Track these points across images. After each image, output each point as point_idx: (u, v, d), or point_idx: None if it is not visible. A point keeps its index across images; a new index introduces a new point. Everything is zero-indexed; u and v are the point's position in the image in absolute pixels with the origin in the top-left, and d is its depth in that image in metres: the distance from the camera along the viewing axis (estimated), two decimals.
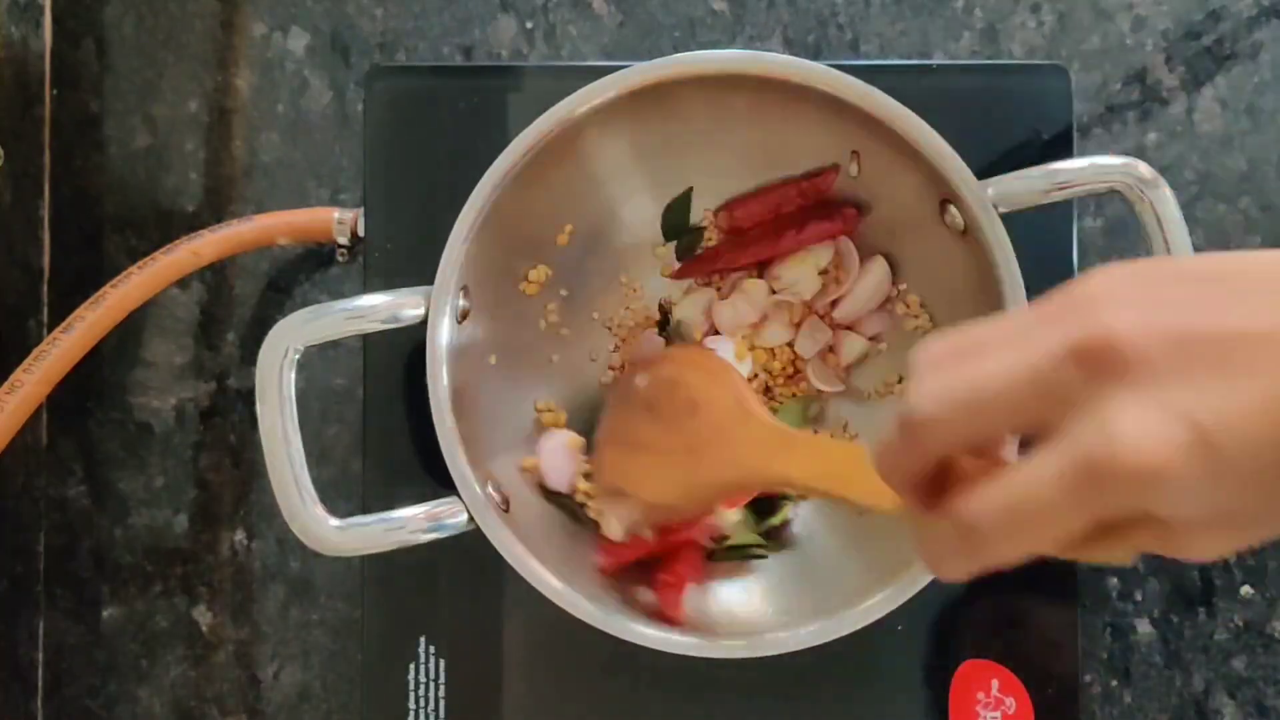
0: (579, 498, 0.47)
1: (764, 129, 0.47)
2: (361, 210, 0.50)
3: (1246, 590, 0.52)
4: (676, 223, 0.50)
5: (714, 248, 0.50)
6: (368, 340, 0.50)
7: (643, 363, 0.48)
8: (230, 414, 0.55)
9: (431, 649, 0.49)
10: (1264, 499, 0.25)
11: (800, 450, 0.37)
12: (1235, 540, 0.27)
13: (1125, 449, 0.24)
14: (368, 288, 0.49)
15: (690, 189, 0.49)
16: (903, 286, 0.49)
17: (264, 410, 0.42)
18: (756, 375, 0.49)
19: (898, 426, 0.28)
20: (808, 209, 0.48)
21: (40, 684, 0.55)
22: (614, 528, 0.46)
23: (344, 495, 0.52)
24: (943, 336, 0.28)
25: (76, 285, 0.54)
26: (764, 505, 0.48)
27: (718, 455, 0.40)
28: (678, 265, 0.50)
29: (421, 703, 0.49)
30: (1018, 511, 0.26)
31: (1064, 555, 0.28)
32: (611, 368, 0.50)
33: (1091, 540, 0.27)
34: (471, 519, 0.43)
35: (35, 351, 0.46)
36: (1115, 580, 0.52)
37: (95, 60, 0.55)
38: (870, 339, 0.49)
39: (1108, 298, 0.25)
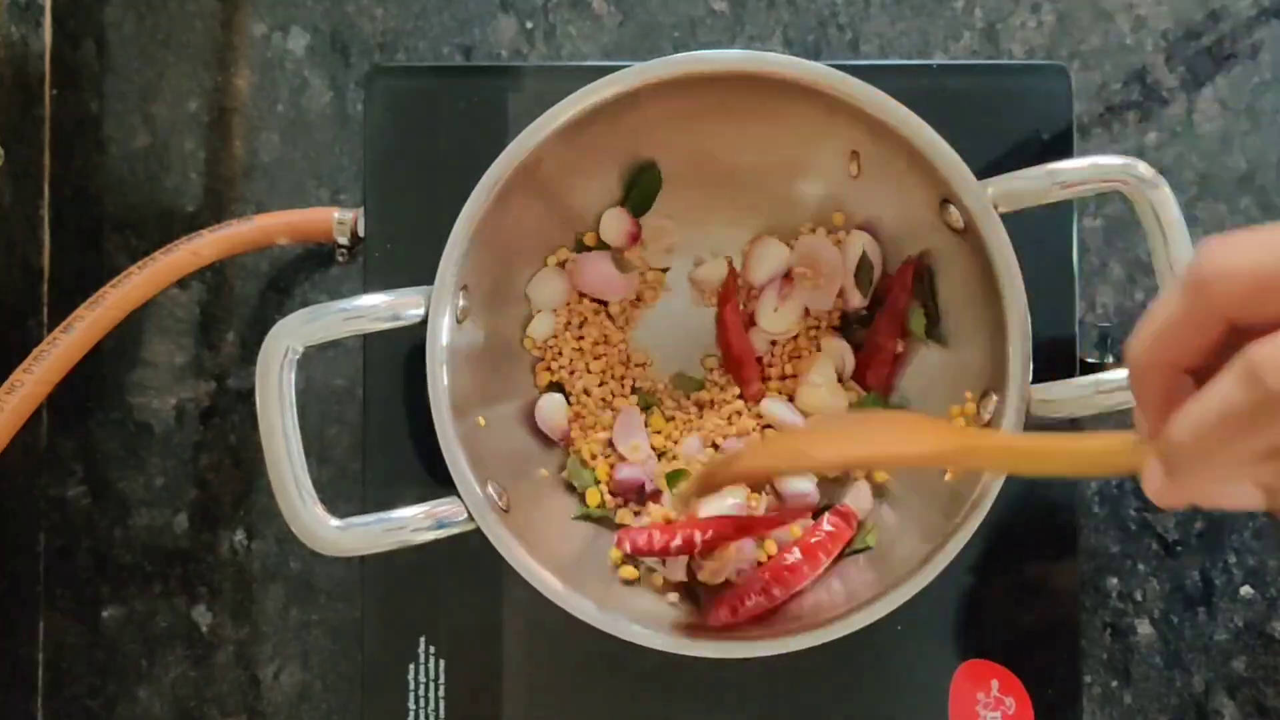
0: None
1: (764, 129, 0.47)
2: (361, 210, 0.50)
3: (1246, 590, 0.52)
4: (641, 198, 0.50)
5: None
6: (368, 340, 0.50)
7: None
8: (230, 414, 0.55)
9: (431, 649, 0.49)
10: None
11: (927, 425, 0.38)
12: None
13: None
14: (368, 288, 0.49)
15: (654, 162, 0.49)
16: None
17: (264, 410, 0.42)
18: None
19: (1183, 289, 0.28)
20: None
21: (40, 684, 0.55)
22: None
23: (344, 495, 0.52)
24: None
25: (76, 285, 0.54)
26: None
27: (873, 434, 0.40)
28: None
29: (421, 703, 0.49)
30: (1215, 429, 0.26)
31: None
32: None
33: None
34: (471, 519, 0.43)
35: (35, 351, 0.46)
36: (1115, 580, 0.52)
37: (95, 60, 0.55)
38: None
39: None
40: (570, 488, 0.49)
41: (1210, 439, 0.27)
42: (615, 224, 0.48)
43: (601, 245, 0.49)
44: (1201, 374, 0.28)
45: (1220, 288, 0.27)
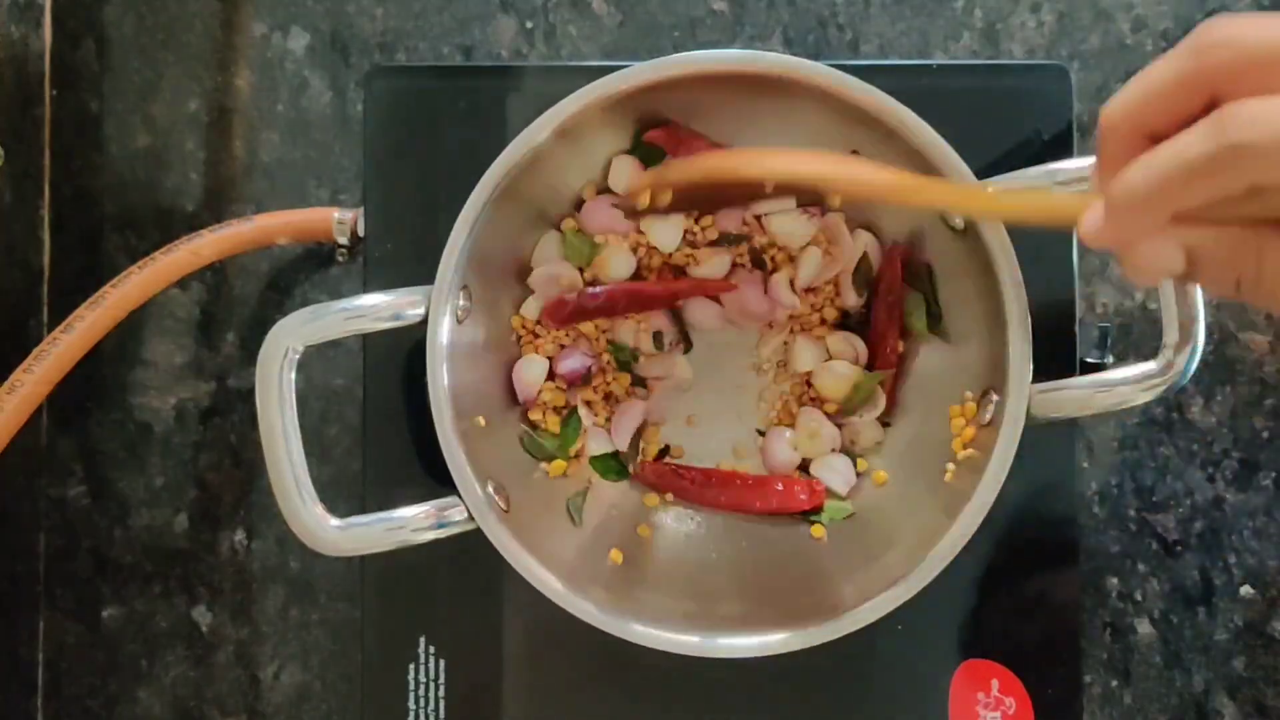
0: None
1: (764, 129, 0.47)
2: (361, 210, 0.50)
3: (1246, 590, 0.52)
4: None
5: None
6: (368, 340, 0.50)
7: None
8: (230, 414, 0.55)
9: (431, 649, 0.49)
10: None
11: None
12: None
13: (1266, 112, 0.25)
14: (368, 288, 0.49)
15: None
16: None
17: (264, 410, 0.42)
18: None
19: (1188, 48, 0.29)
20: None
21: (40, 684, 0.55)
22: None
23: (344, 495, 0.52)
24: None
25: (76, 285, 0.54)
26: None
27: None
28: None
29: (421, 703, 0.49)
30: (1167, 171, 0.27)
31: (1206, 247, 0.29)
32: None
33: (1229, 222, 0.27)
34: (471, 519, 0.43)
35: (35, 351, 0.46)
36: (1115, 580, 0.52)
37: (95, 60, 0.55)
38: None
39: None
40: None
41: (1159, 181, 0.28)
42: (623, 170, 0.48)
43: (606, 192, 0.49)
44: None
45: (1217, 53, 0.28)
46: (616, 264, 0.48)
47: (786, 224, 0.48)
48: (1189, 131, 0.28)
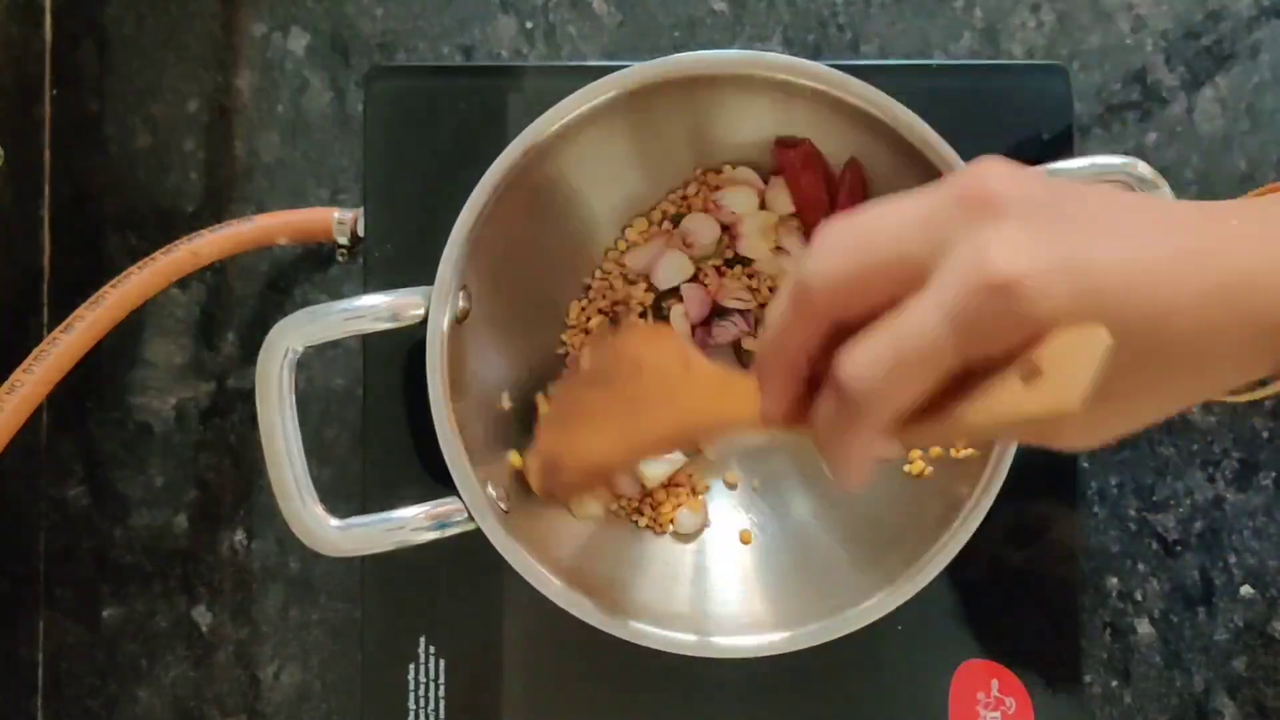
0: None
1: (763, 129, 0.47)
2: (361, 210, 0.50)
3: (1246, 590, 0.52)
4: None
5: None
6: (368, 340, 0.50)
7: (590, 341, 0.49)
8: (230, 414, 0.55)
9: (431, 649, 0.49)
10: (1126, 363, 0.26)
11: (740, 388, 0.38)
12: (1102, 420, 0.29)
13: (998, 256, 0.26)
14: (368, 288, 0.49)
15: None
16: None
17: (264, 410, 0.42)
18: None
19: (790, 295, 0.29)
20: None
21: (40, 684, 0.55)
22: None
23: (344, 495, 0.52)
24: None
25: (76, 285, 0.54)
26: None
27: (663, 406, 0.41)
28: None
29: (421, 703, 0.49)
30: (900, 349, 0.27)
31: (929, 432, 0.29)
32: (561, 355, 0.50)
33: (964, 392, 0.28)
34: (471, 519, 0.43)
35: (35, 351, 0.46)
36: (1115, 580, 0.52)
37: (95, 60, 0.55)
38: None
39: (991, 168, 0.28)
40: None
41: (836, 443, 0.30)
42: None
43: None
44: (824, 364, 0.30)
45: (820, 302, 0.29)
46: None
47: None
48: (827, 397, 0.29)
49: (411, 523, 0.43)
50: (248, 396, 0.54)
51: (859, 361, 0.28)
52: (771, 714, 0.49)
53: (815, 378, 0.31)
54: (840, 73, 0.43)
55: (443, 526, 0.43)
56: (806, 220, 0.48)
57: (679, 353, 0.41)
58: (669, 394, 0.40)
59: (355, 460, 0.53)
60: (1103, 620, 0.52)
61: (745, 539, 0.49)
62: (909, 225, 0.28)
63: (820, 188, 0.47)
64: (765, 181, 0.49)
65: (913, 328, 0.27)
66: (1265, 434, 0.52)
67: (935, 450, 0.46)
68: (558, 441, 0.44)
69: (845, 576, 0.46)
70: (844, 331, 0.29)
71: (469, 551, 0.44)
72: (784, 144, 0.47)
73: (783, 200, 0.49)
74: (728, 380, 0.39)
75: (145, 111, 0.55)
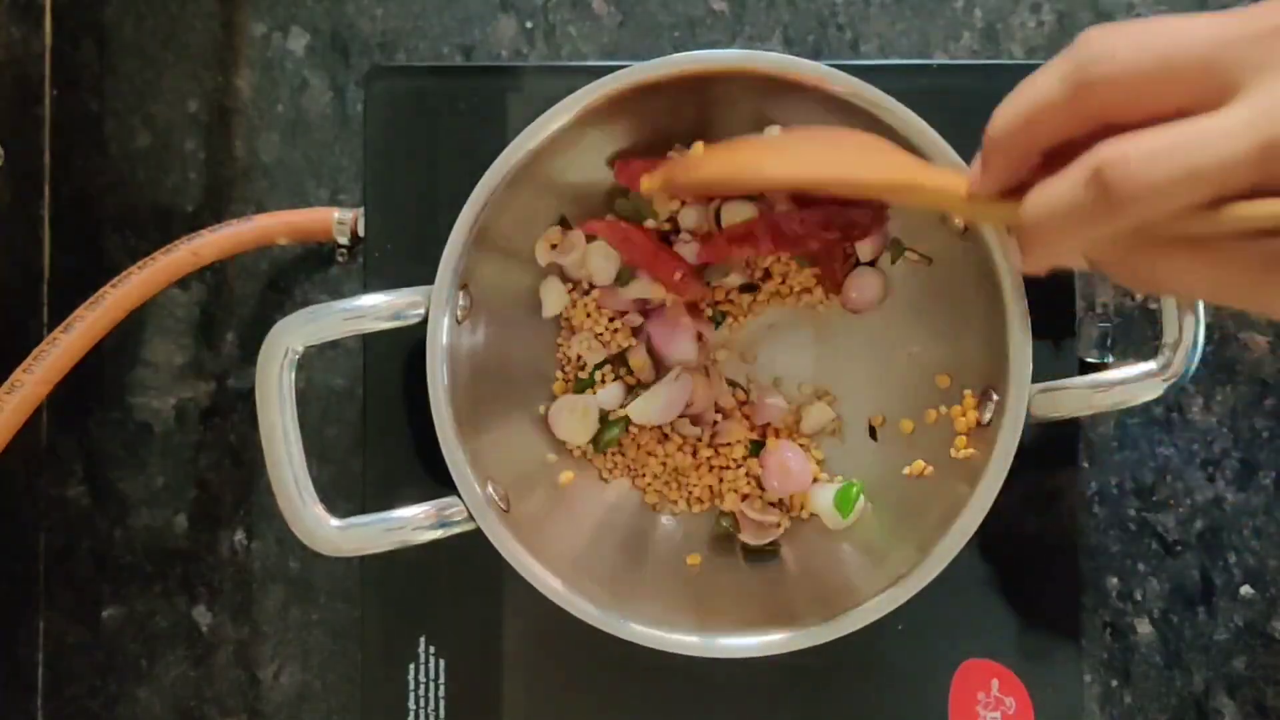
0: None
1: (763, 129, 0.47)
2: (361, 210, 0.50)
3: (1246, 590, 0.52)
4: None
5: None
6: (368, 340, 0.50)
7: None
8: (230, 414, 0.55)
9: (431, 649, 0.49)
10: None
11: (935, 168, 0.39)
12: None
13: None
14: (368, 288, 0.49)
15: None
16: None
17: (264, 410, 0.42)
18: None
19: (1066, 78, 0.28)
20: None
21: (40, 684, 0.55)
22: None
23: (344, 495, 0.52)
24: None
25: (76, 285, 0.54)
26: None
27: (855, 154, 0.40)
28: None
29: (421, 703, 0.49)
30: (1195, 157, 0.26)
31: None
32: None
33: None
34: (471, 519, 0.43)
35: (35, 351, 0.46)
36: (1115, 580, 0.52)
37: (95, 60, 0.55)
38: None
39: None
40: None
41: (1054, 228, 0.28)
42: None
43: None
44: (1055, 152, 0.29)
45: (1094, 71, 0.28)
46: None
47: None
48: (1073, 178, 0.28)
49: (411, 523, 0.43)
50: (248, 396, 0.54)
51: (1142, 158, 0.26)
52: (771, 714, 0.49)
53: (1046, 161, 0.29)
54: (840, 72, 0.43)
55: (443, 526, 0.43)
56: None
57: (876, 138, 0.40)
58: (864, 150, 0.40)
59: (355, 460, 0.53)
60: (1103, 620, 0.52)
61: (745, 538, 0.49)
62: (1217, 39, 0.27)
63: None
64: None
65: (1216, 139, 0.26)
66: (1265, 434, 0.52)
67: (928, 463, 0.46)
68: (724, 150, 0.43)
69: (845, 576, 0.46)
70: (1105, 129, 0.27)
71: (469, 551, 0.44)
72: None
73: None
74: (920, 162, 0.40)
75: (145, 111, 0.55)
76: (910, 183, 0.37)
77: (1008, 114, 0.31)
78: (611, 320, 0.49)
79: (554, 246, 0.48)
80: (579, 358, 0.49)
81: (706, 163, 0.43)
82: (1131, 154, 0.26)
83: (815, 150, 0.41)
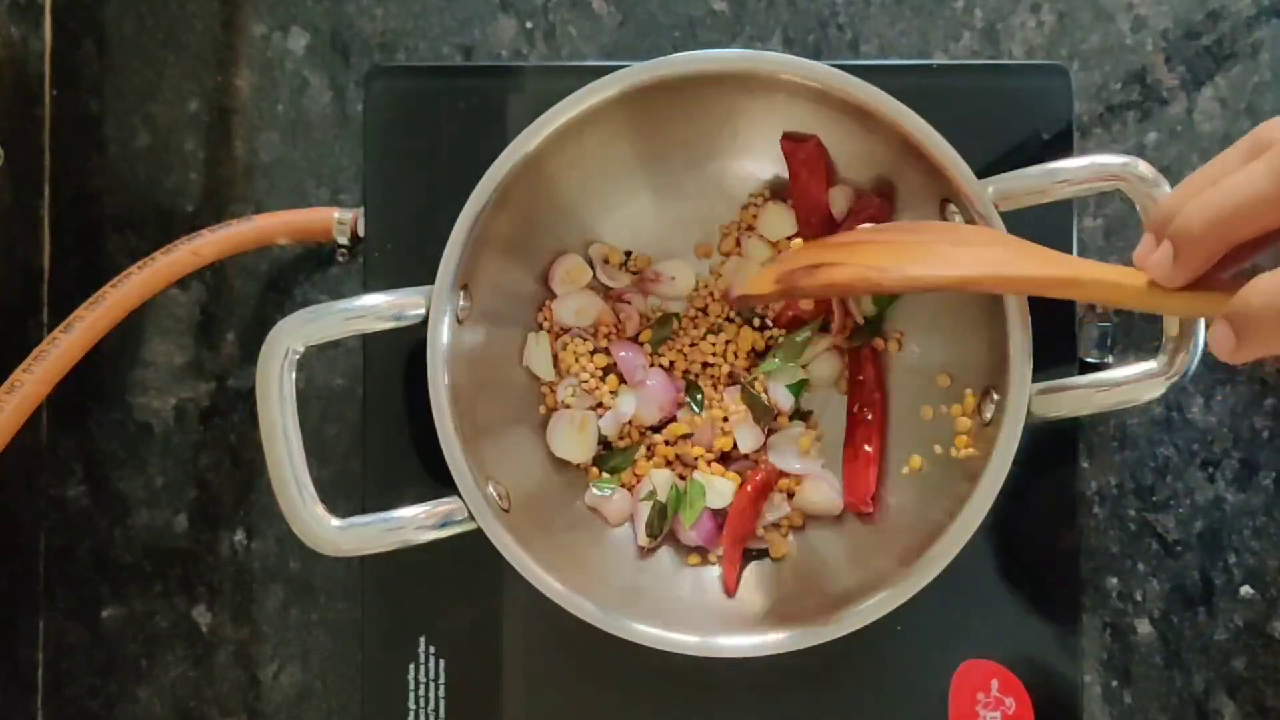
0: None
1: (763, 129, 0.47)
2: (361, 210, 0.50)
3: (1246, 590, 0.52)
4: None
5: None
6: (368, 340, 0.50)
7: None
8: (230, 414, 0.55)
9: (431, 649, 0.49)
10: None
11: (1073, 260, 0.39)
12: None
13: None
14: (368, 288, 0.49)
15: None
16: None
17: (264, 410, 0.42)
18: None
19: (1172, 246, 0.30)
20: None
21: (40, 684, 0.55)
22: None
23: (344, 495, 0.52)
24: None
25: (76, 285, 0.54)
26: None
27: (970, 251, 0.41)
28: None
29: (421, 703, 0.49)
30: (1227, 201, 0.28)
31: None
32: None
33: None
34: (472, 519, 0.43)
35: (35, 351, 0.46)
36: (1115, 580, 0.52)
37: (95, 60, 0.55)
38: None
39: None
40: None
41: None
42: (774, 218, 0.49)
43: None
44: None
45: (1198, 247, 0.29)
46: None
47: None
48: None
49: (411, 523, 0.43)
50: (248, 396, 0.54)
51: (1191, 208, 0.28)
52: (772, 714, 0.49)
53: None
54: (840, 72, 0.43)
55: (443, 526, 0.43)
56: (801, 216, 0.48)
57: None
58: (981, 241, 0.40)
59: (355, 460, 0.53)
60: (1103, 620, 0.52)
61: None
62: (1265, 188, 0.29)
63: (821, 187, 0.47)
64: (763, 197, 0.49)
65: (1240, 183, 0.28)
66: (1265, 434, 0.52)
67: (922, 464, 0.46)
68: (832, 248, 0.43)
69: (844, 577, 0.46)
70: None
71: (469, 551, 0.44)
72: (790, 138, 0.47)
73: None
74: (1055, 253, 0.40)
75: (145, 111, 0.55)
76: (1071, 278, 0.38)
77: (1211, 210, 0.31)
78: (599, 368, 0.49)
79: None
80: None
81: (833, 266, 0.42)
82: (1184, 213, 0.28)
83: (947, 249, 0.41)
